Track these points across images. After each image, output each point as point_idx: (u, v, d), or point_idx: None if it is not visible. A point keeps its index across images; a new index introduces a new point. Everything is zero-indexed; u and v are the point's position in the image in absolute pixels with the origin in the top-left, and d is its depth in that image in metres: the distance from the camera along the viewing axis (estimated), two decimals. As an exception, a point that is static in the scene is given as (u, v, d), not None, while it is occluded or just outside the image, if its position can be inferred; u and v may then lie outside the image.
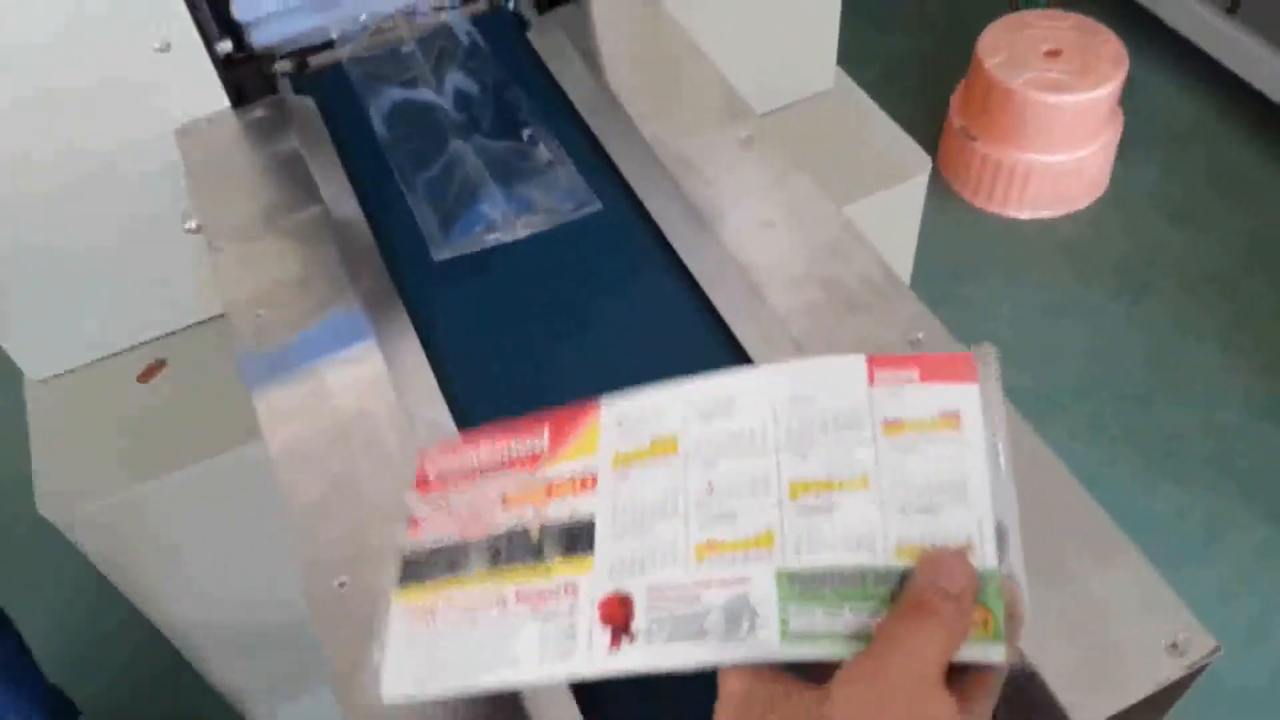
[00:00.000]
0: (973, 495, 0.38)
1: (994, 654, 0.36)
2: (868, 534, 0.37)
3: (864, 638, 0.36)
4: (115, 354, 1.05)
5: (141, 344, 1.06)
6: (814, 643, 0.37)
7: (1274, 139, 2.03)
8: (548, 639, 0.41)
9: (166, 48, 0.85)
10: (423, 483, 0.50)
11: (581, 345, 0.73)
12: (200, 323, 1.06)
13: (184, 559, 1.07)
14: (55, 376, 1.05)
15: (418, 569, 0.47)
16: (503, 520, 0.46)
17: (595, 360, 0.72)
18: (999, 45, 1.89)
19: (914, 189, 1.04)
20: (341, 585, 0.60)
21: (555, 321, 0.74)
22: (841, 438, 0.40)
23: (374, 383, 0.70)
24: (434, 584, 0.46)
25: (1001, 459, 0.38)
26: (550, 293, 0.76)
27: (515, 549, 0.45)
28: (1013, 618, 0.37)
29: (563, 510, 0.45)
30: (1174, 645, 0.53)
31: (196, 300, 1.04)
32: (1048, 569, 0.55)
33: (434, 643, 0.44)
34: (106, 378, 1.04)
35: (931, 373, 0.41)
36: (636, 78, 0.90)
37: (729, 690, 0.38)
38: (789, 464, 0.40)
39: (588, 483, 0.45)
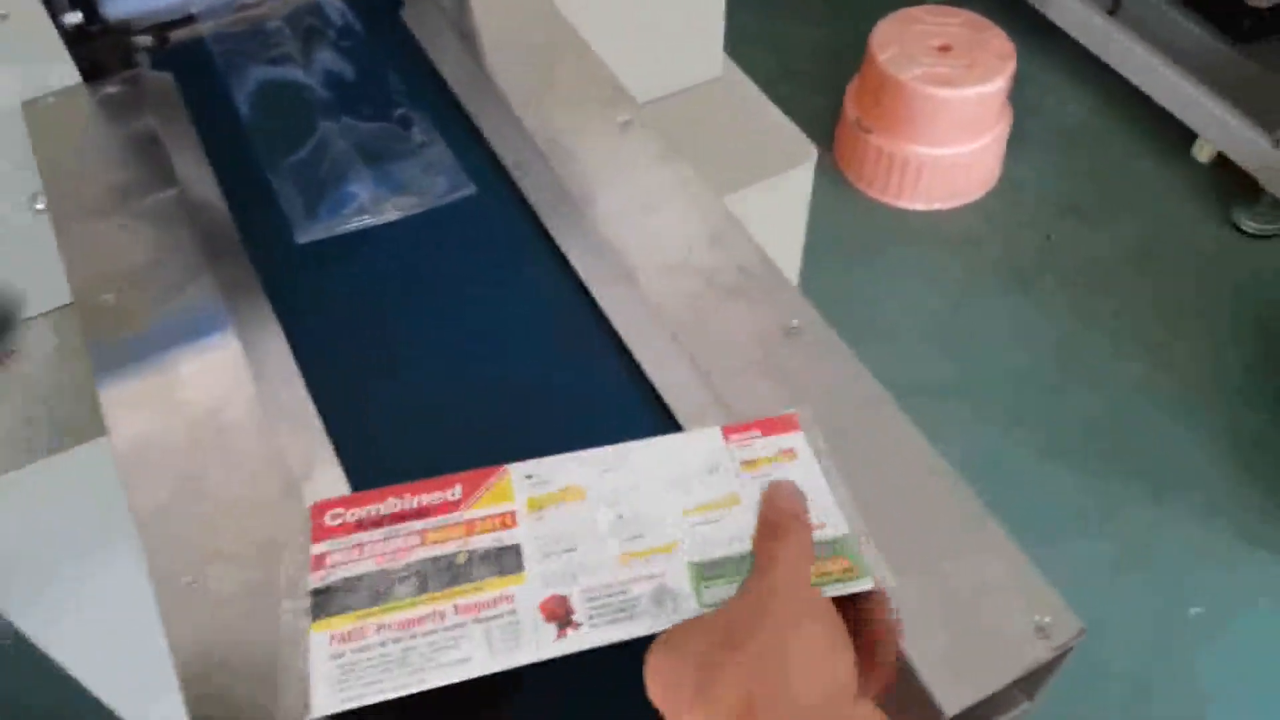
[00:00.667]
0: (815, 494, 0.50)
1: (863, 584, 0.46)
2: (745, 531, 0.49)
3: None
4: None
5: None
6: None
7: (1157, 135, 2.09)
8: (493, 635, 0.46)
9: (4, 17, 0.79)
10: (320, 529, 0.51)
11: (453, 331, 0.70)
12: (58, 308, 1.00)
13: (36, 558, 1.01)
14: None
15: (334, 599, 0.48)
16: (424, 553, 0.49)
17: (467, 347, 0.69)
18: (890, 39, 1.92)
19: (800, 177, 1.03)
20: (190, 584, 0.57)
21: (426, 307, 0.72)
22: (713, 477, 0.52)
23: (230, 373, 0.66)
24: (358, 612, 0.48)
25: (833, 475, 0.52)
26: (421, 278, 0.73)
27: (443, 575, 0.48)
28: (888, 634, 0.46)
29: (487, 540, 0.50)
30: (1040, 628, 0.53)
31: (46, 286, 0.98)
32: (916, 555, 0.54)
33: (367, 656, 0.46)
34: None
35: (769, 430, 0.54)
36: (514, 60, 0.87)
37: (655, 643, 0.44)
38: (677, 499, 0.51)
39: (507, 520, 0.50)
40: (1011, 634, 0.53)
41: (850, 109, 2.00)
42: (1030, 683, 0.55)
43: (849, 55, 2.11)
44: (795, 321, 0.66)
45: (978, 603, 0.54)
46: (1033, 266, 1.92)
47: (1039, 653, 0.52)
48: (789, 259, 1.13)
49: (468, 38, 0.90)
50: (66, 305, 1.01)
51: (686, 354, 0.65)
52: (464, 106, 0.85)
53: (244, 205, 0.78)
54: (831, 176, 2.06)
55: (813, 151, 1.04)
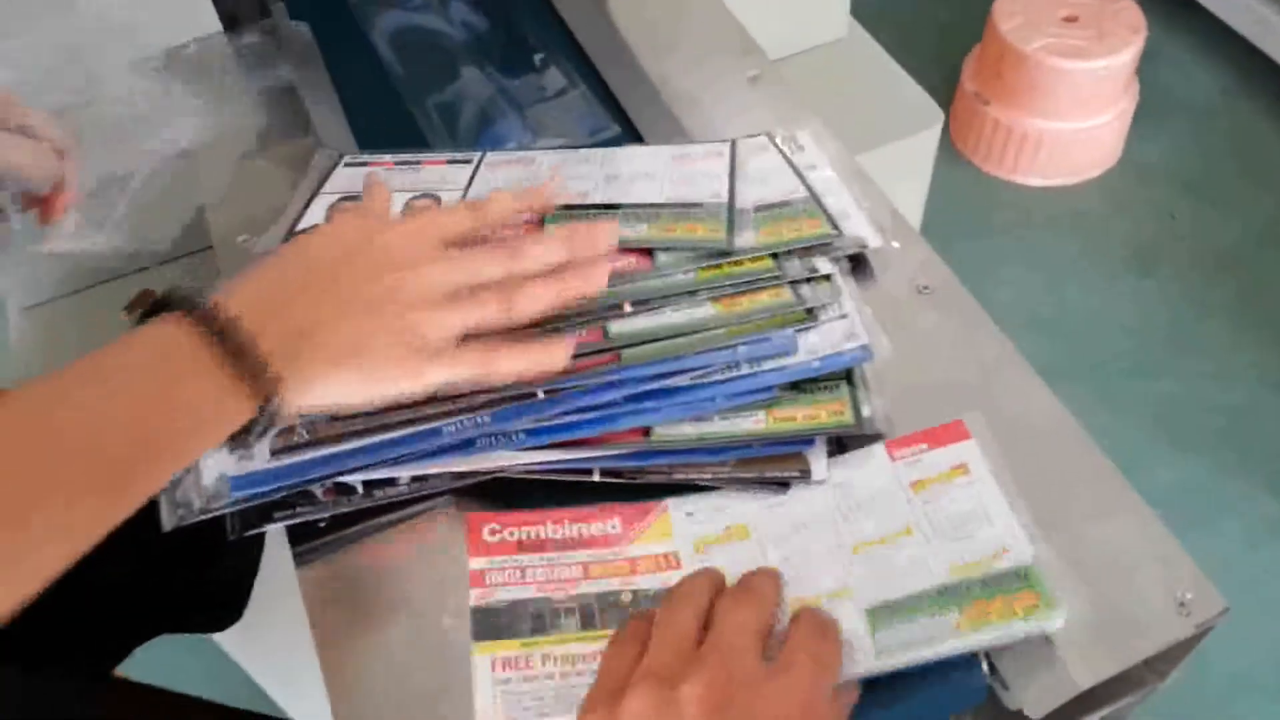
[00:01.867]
0: (995, 516, 0.48)
1: (1055, 621, 0.46)
2: (923, 563, 0.47)
3: (940, 639, 0.45)
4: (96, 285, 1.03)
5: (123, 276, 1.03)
6: (903, 651, 0.45)
7: (1292, 114, 1.99)
8: None
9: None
10: (478, 544, 0.51)
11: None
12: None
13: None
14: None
15: (494, 623, 0.48)
16: (588, 587, 0.49)
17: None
18: (1015, 9, 1.85)
19: (925, 142, 1.01)
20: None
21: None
22: (882, 503, 0.50)
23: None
24: (520, 640, 0.48)
25: (1012, 489, 0.50)
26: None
27: (610, 612, 0.48)
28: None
29: (653, 582, 0.49)
30: (1181, 604, 0.51)
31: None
32: (1059, 520, 0.52)
33: (531, 688, 0.46)
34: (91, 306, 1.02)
35: (936, 441, 0.52)
36: (642, 12, 0.87)
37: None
38: (848, 532, 0.49)
39: (671, 560, 0.50)
40: (1153, 608, 0.51)
41: (968, 81, 1.95)
42: (1165, 661, 0.53)
43: (968, 29, 2.05)
44: (926, 282, 0.65)
45: (1118, 574, 0.52)
46: (1153, 247, 1.85)
47: (1180, 629, 0.50)
48: (913, 211, 1.10)
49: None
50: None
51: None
52: (592, 59, 0.85)
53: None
54: (946, 151, 2.01)
55: (939, 115, 1.02)
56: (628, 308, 0.56)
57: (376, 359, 0.46)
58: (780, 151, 0.68)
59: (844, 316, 0.57)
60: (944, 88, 2.06)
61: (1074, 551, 0.52)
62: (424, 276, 0.49)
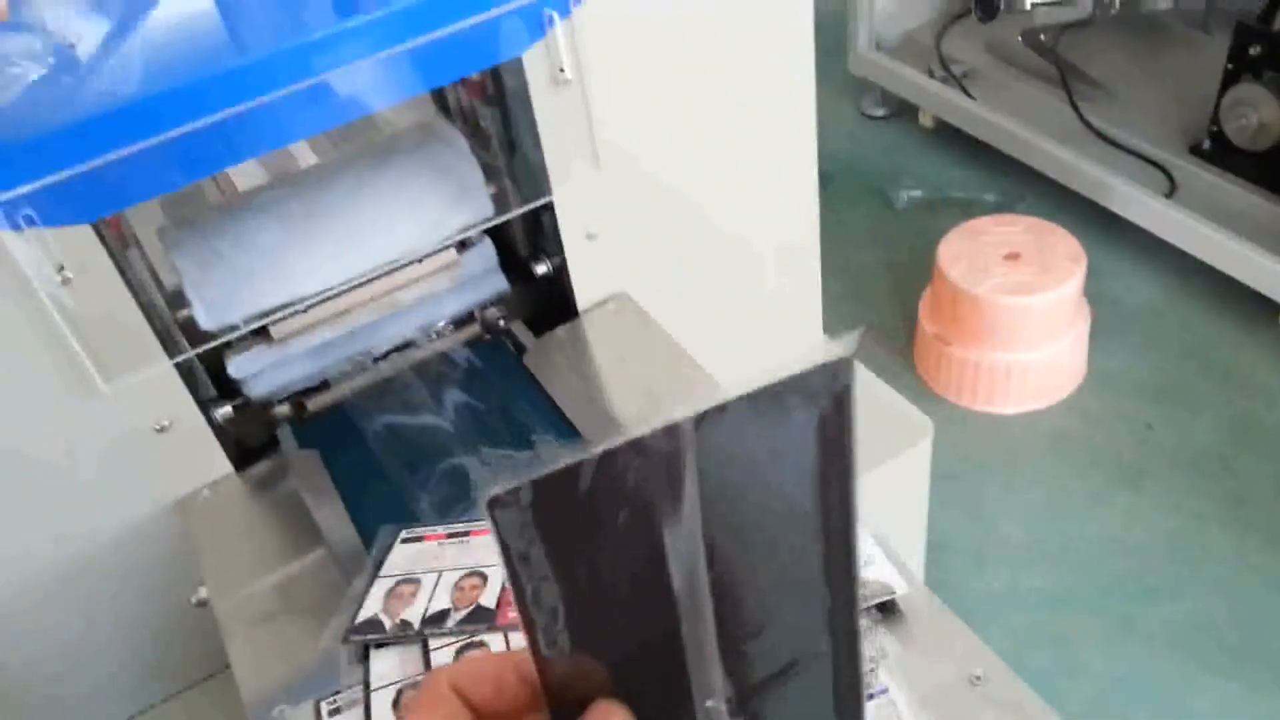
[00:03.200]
0: None
1: None
2: None
3: None
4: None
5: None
6: None
7: (1239, 308, 2.08)
8: None
9: (166, 428, 0.84)
10: None
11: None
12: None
13: None
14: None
15: None
16: None
17: None
18: (958, 253, 1.95)
19: (919, 453, 1.04)
20: None
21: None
22: None
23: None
24: None
25: None
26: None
27: None
28: None
29: None
30: None
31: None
32: None
33: None
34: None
35: None
36: (630, 391, 0.90)
37: None
38: None
39: None
40: None
41: (927, 323, 2.02)
42: None
43: (917, 269, 2.15)
44: (979, 671, 0.65)
45: None
46: (1138, 458, 1.88)
47: None
48: (913, 530, 1.12)
49: (586, 377, 0.94)
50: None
51: None
52: (586, 440, 0.88)
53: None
54: (916, 389, 2.06)
55: (929, 426, 1.05)
56: None
57: None
58: None
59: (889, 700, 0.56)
60: (904, 328, 2.14)
61: None
62: None
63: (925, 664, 0.66)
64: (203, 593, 0.83)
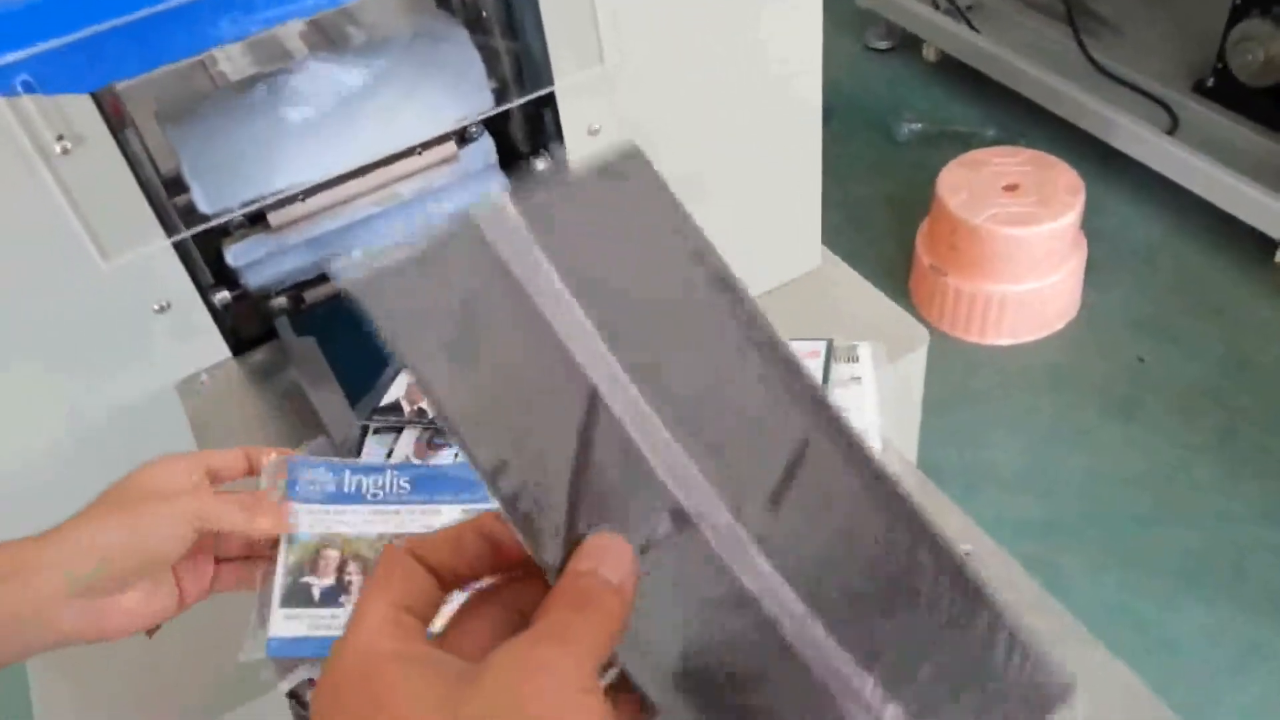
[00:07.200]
0: None
1: None
2: None
3: None
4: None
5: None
6: None
7: (1236, 245, 2.08)
8: None
9: (166, 308, 0.84)
10: None
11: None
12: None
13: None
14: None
15: None
16: None
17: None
18: (958, 184, 1.95)
19: (914, 361, 1.04)
20: None
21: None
22: None
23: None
24: None
25: None
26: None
27: None
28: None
29: None
30: None
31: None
32: None
33: None
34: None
35: None
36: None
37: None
38: None
39: None
40: None
41: (924, 254, 2.02)
42: None
43: (915, 201, 2.15)
44: (968, 547, 0.66)
45: None
46: (1130, 391, 1.90)
47: None
48: (907, 438, 1.13)
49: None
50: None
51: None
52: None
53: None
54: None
55: (924, 335, 1.05)
56: None
57: None
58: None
59: None
60: (901, 260, 2.14)
61: None
62: None
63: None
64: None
